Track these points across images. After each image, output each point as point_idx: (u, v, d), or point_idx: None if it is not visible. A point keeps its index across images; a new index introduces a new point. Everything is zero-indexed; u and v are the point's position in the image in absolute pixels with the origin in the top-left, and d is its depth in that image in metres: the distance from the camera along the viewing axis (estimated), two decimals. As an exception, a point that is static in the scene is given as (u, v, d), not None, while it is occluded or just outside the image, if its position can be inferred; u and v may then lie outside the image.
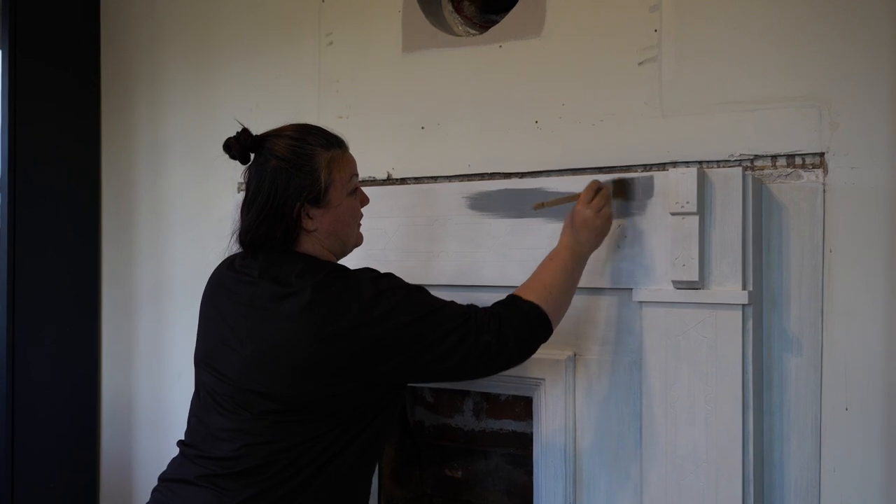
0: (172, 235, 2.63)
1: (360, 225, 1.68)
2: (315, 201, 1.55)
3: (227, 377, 1.53)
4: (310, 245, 1.58)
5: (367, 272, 1.57)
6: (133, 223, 2.72)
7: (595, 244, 1.69)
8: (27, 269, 2.58)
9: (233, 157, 1.58)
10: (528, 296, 1.59)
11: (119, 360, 2.75)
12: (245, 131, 1.57)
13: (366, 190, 2.12)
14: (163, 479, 1.59)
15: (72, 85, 2.72)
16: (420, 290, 1.57)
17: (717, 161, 1.76)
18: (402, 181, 2.16)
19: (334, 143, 1.60)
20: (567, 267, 1.65)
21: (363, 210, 1.68)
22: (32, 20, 2.59)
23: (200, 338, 1.65)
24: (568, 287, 1.65)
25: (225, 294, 1.61)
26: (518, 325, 1.55)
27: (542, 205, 1.75)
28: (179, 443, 1.62)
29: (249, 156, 1.59)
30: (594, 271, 1.79)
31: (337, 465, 1.51)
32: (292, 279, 1.52)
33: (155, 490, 1.59)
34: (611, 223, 1.72)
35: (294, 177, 1.53)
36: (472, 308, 1.56)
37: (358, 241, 1.68)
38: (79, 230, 2.74)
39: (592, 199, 1.68)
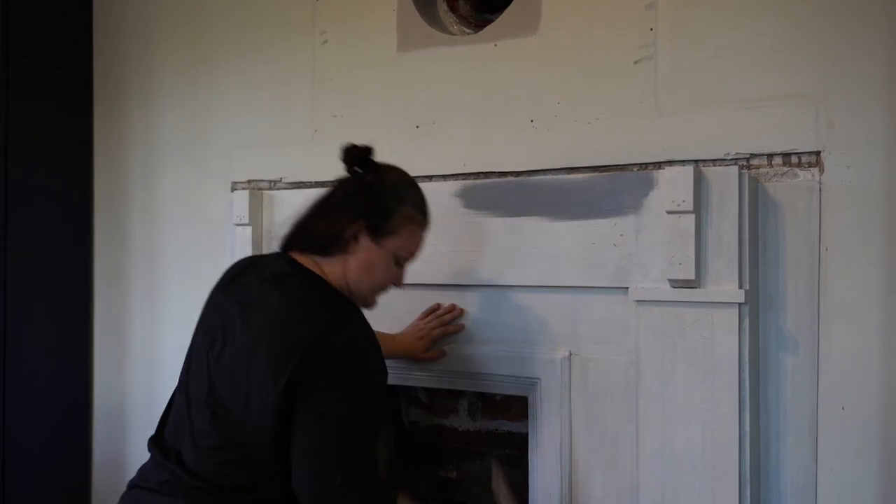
0: (166, 234, 2.61)
1: (380, 292, 1.64)
2: (374, 232, 1.56)
3: (205, 380, 1.51)
4: (337, 268, 1.56)
5: (365, 333, 1.49)
6: (126, 222, 2.70)
7: None
8: (19, 267, 2.56)
9: (342, 159, 1.61)
10: None
11: (112, 360, 2.73)
12: (369, 148, 1.61)
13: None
14: (131, 485, 1.56)
15: (65, 84, 2.70)
16: (373, 406, 1.48)
17: (713, 160, 1.75)
18: (397, 180, 2.14)
19: (424, 215, 1.65)
20: None
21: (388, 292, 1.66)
22: (25, 19, 2.57)
23: (193, 336, 1.63)
24: None
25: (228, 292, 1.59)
26: None
27: None
28: (150, 446, 1.57)
29: (354, 168, 1.61)
30: (590, 270, 1.78)
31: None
32: (297, 290, 1.51)
33: (122, 497, 1.56)
34: None
35: (375, 202, 1.56)
36: (382, 485, 1.51)
37: (367, 301, 1.62)
38: (72, 228, 2.72)
39: None
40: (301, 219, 1.62)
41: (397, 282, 1.66)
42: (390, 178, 1.62)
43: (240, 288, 1.57)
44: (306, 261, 1.57)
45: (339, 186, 1.63)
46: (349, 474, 1.41)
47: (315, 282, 1.54)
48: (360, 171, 1.61)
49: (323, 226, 1.58)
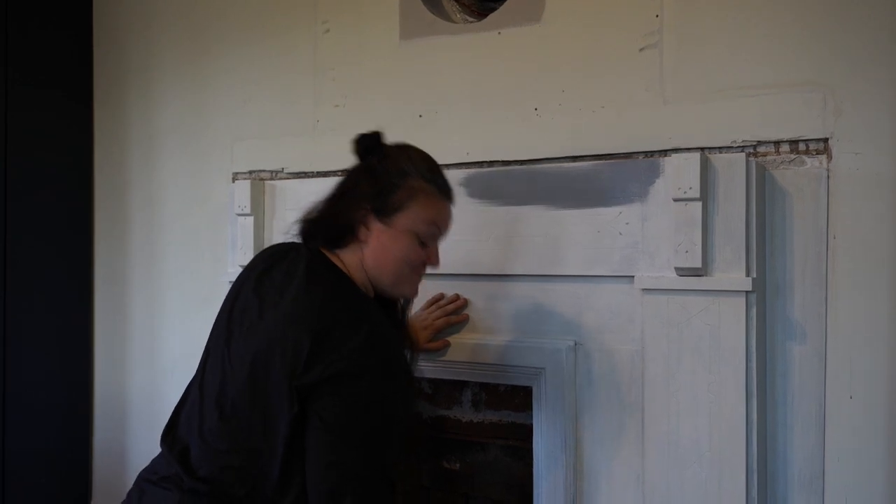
0: (166, 228, 2.60)
1: (411, 278, 1.55)
2: (380, 213, 1.49)
3: (218, 375, 1.47)
4: (354, 258, 1.51)
5: (385, 340, 1.42)
6: (126, 215, 2.69)
7: None
8: (19, 263, 2.55)
9: (353, 151, 1.55)
10: None
11: (112, 354, 2.72)
12: (377, 133, 1.53)
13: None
14: (138, 477, 1.53)
15: (64, 75, 2.68)
16: (389, 420, 1.40)
17: (720, 147, 1.73)
18: (400, 170, 2.13)
19: (435, 184, 1.53)
20: None
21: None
22: (25, 7, 2.56)
23: (213, 325, 1.57)
24: None
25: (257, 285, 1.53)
26: None
27: None
28: (161, 439, 1.54)
29: (367, 156, 1.54)
30: (595, 258, 1.77)
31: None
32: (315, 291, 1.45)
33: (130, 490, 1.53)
34: None
35: (376, 181, 1.49)
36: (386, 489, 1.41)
37: (397, 289, 1.55)
38: (71, 223, 2.71)
39: None
40: (311, 214, 1.57)
41: (429, 261, 1.56)
42: (393, 154, 1.53)
43: (265, 280, 1.51)
44: (328, 254, 1.52)
45: (347, 176, 1.57)
46: (359, 494, 1.34)
47: (338, 280, 1.49)
48: (370, 157, 1.55)
49: (332, 217, 1.52)
